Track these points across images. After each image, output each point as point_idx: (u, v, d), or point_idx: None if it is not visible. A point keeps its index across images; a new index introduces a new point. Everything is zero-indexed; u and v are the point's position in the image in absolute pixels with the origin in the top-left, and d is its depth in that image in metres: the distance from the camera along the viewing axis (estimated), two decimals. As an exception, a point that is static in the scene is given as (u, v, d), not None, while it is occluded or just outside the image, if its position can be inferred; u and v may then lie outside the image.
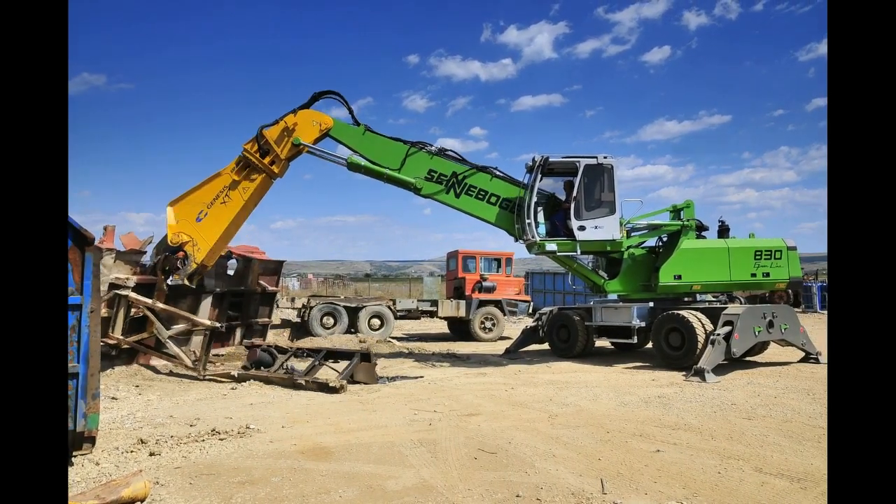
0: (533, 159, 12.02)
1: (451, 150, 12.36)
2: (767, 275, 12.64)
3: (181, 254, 10.73)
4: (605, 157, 12.06)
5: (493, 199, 12.17)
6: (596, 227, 11.84)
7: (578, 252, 12.11)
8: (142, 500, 4.14)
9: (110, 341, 10.05)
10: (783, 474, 4.94)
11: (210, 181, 11.18)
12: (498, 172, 12.28)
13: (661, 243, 12.99)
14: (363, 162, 11.83)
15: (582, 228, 11.76)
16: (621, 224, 12.04)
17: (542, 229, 11.83)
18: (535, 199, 11.70)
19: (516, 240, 12.49)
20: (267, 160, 11.29)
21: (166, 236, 10.86)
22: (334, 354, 10.75)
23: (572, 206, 11.78)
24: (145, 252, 11.09)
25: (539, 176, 11.76)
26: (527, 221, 11.58)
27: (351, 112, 11.91)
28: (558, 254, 12.09)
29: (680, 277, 12.27)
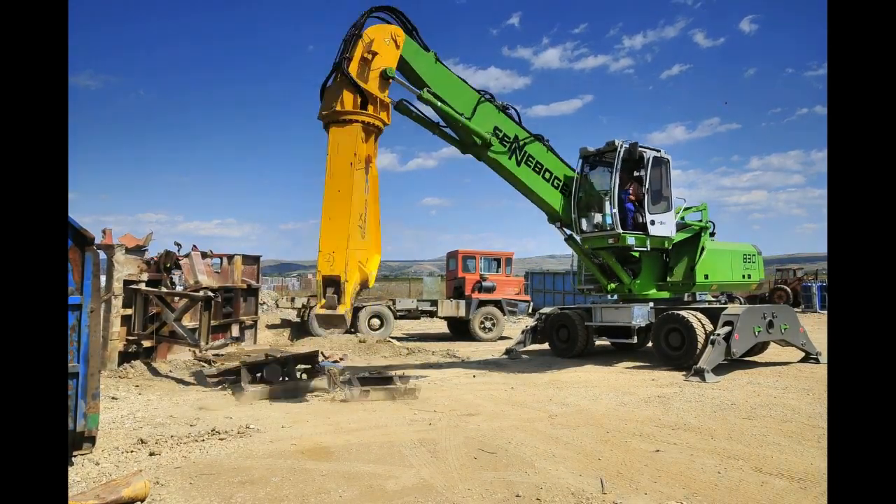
0: (610, 144, 11.30)
1: (513, 108, 10.92)
2: (749, 276, 13.44)
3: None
4: (665, 152, 11.84)
5: (546, 175, 11.27)
6: (661, 223, 11.57)
7: (648, 247, 11.59)
8: (142, 500, 4.14)
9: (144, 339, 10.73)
10: (783, 474, 4.94)
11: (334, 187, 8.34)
12: (550, 146, 11.41)
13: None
14: (439, 102, 9.78)
15: (653, 223, 11.40)
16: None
17: (609, 220, 11.20)
18: (618, 187, 11.05)
19: (559, 225, 11.80)
20: (371, 110, 8.60)
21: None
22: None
23: (645, 198, 11.36)
24: (147, 249, 11.42)
25: (620, 164, 11.08)
26: (612, 211, 11.01)
27: (417, 35, 9.63)
28: (635, 248, 11.55)
29: (707, 277, 12.48)
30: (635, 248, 11.58)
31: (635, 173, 11.70)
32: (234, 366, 9.52)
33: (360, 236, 8.40)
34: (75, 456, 5.14)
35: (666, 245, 12.13)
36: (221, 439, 6.00)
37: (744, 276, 13.23)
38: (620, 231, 11.08)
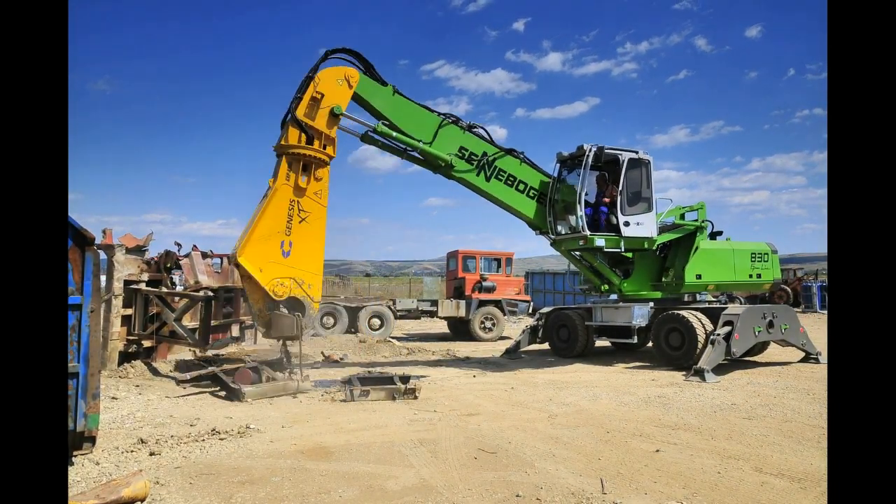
0: (580, 148, 11.54)
1: (480, 127, 11.34)
2: (759, 276, 13.28)
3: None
4: (644, 153, 11.91)
5: (521, 187, 11.56)
6: (638, 224, 11.64)
7: (622, 248, 11.70)
8: (142, 500, 4.14)
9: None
10: (783, 474, 4.95)
11: (268, 206, 8.90)
12: (525, 157, 11.67)
13: (664, 243, 12.96)
14: (394, 132, 10.34)
15: (627, 224, 11.51)
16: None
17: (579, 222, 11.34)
18: (585, 190, 11.29)
19: (539, 232, 12.04)
20: (317, 145, 9.28)
21: (265, 292, 8.77)
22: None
23: (618, 200, 11.49)
24: (147, 249, 11.38)
25: (589, 167, 11.30)
26: (580, 213, 11.20)
27: (373, 71, 10.14)
28: (605, 249, 11.68)
29: (700, 277, 12.45)
30: (607, 249, 11.69)
31: (612, 175, 11.81)
32: (206, 371, 9.00)
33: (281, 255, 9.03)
34: (75, 456, 5.14)
35: (646, 246, 12.09)
36: (221, 439, 6.00)
37: (752, 276, 13.12)
38: (588, 233, 11.22)
